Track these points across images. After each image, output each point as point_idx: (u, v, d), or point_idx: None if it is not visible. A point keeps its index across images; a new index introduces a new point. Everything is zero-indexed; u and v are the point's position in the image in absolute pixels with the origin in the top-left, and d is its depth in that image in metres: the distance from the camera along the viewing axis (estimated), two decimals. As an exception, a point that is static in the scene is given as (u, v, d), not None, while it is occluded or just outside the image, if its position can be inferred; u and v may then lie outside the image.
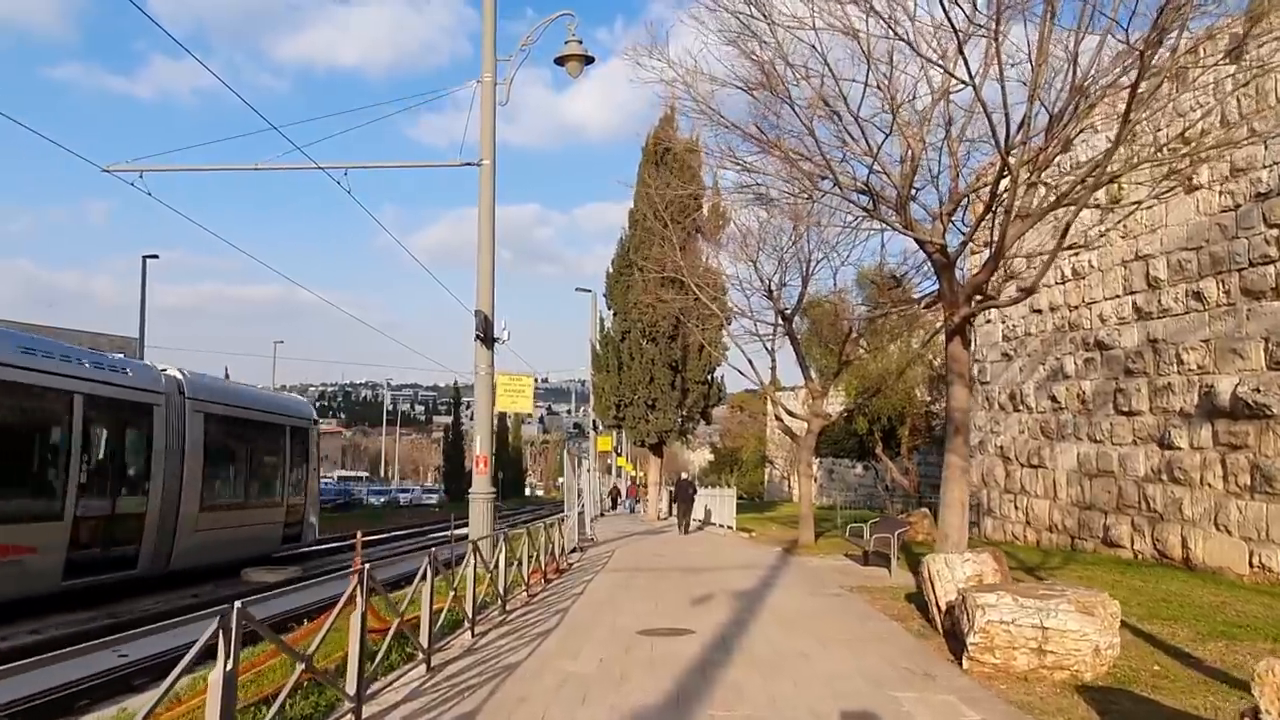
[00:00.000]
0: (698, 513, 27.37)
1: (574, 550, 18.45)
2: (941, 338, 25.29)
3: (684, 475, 32.91)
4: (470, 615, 8.24)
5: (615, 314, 34.32)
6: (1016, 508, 21.23)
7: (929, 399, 37.21)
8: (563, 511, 24.65)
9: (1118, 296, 17.82)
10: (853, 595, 11.07)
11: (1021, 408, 21.18)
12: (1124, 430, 17.33)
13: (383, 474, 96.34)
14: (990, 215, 8.88)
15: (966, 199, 9.78)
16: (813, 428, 18.27)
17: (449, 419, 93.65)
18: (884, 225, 10.34)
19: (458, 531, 15.81)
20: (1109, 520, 17.61)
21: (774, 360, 19.07)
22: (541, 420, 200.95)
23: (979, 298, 9.50)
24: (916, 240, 9.66)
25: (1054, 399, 19.72)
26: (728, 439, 79.22)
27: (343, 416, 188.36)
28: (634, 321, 32.80)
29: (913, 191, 9.54)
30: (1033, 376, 20.79)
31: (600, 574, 14.22)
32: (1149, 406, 16.64)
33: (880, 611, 9.67)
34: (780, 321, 17.89)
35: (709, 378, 33.91)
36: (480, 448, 14.56)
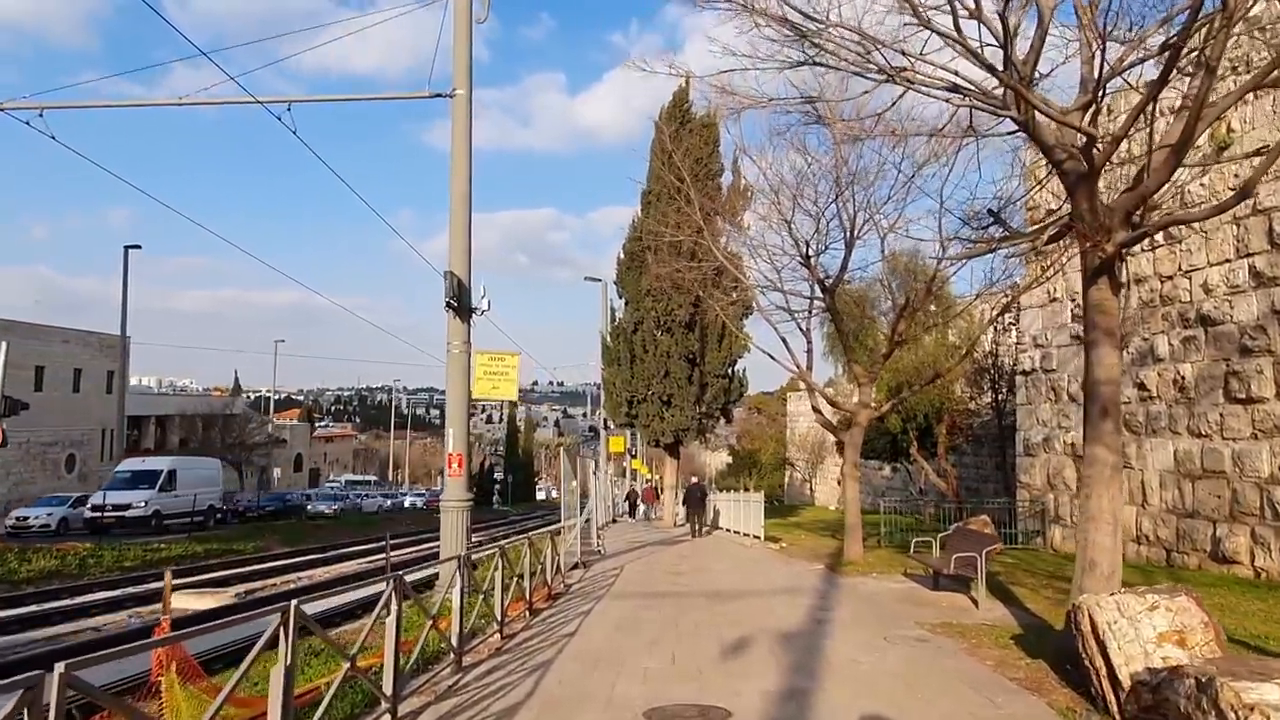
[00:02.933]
0: (706, 515, 26.63)
1: (575, 566, 15.59)
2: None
3: (695, 480, 30.15)
4: (389, 692, 5.37)
5: (627, 303, 31.53)
6: (1093, 515, 18.16)
7: (968, 394, 34.24)
8: (589, 513, 21.79)
9: (1228, 261, 14.79)
10: (942, 640, 8.12)
11: (1098, 398, 18.12)
12: (1239, 421, 14.30)
13: (390, 478, 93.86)
14: (1154, 95, 5.95)
15: (1103, 90, 6.85)
16: (859, 420, 15.30)
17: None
18: (992, 118, 7.43)
19: (437, 549, 12.94)
20: (1219, 530, 14.58)
21: (809, 342, 16.14)
22: (557, 424, 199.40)
23: (1131, 227, 6.54)
24: (1041, 143, 6.77)
25: (1142, 386, 16.68)
26: (745, 441, 76.39)
27: (358, 420, 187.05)
28: (647, 310, 30.02)
29: (1035, 75, 6.64)
30: (1113, 361, 17.73)
31: (603, 601, 11.32)
32: (1274, 392, 13.62)
33: (996, 671, 6.73)
34: (820, 293, 14.91)
35: (730, 371, 31.04)
36: (453, 444, 11.71)
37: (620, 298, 32.03)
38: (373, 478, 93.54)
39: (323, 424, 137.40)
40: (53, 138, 12.39)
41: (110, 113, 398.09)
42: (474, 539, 30.05)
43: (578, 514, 17.03)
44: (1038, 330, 20.76)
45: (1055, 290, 19.80)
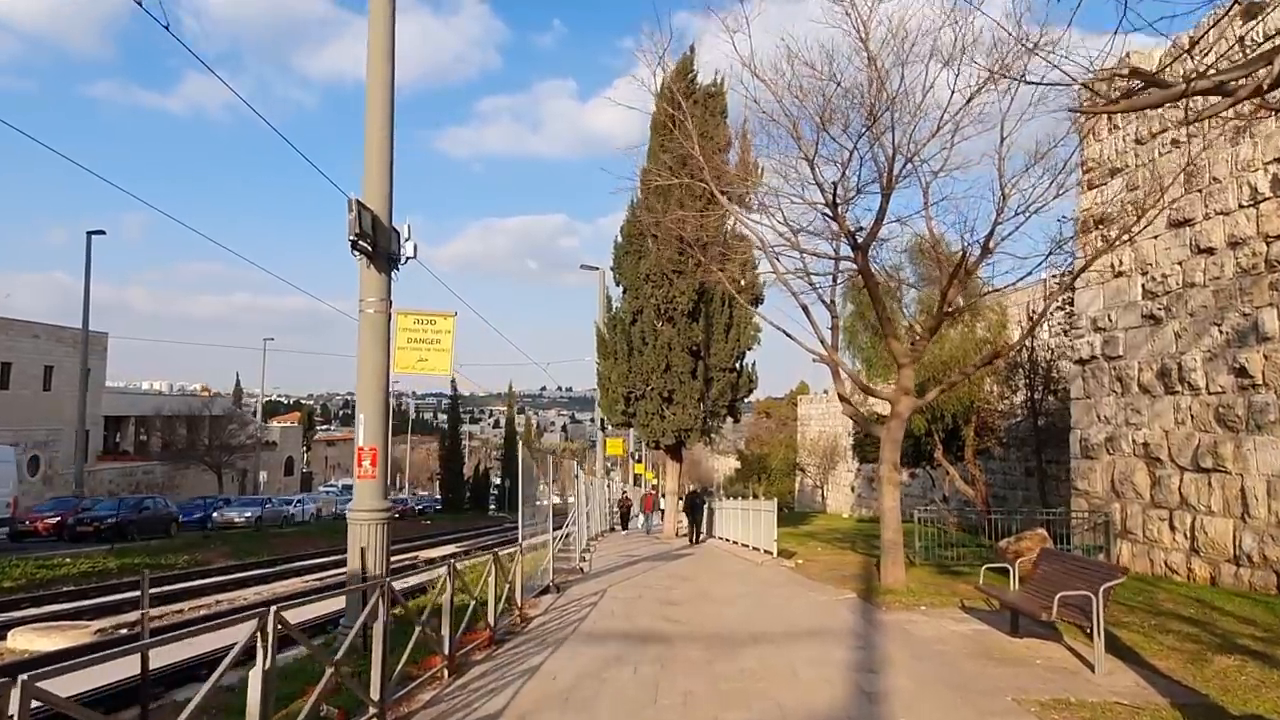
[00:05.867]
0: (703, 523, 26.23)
1: (545, 591, 12.61)
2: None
3: (694, 488, 27.31)
4: None
5: (625, 291, 28.61)
6: (1174, 528, 15.08)
7: (997, 393, 31.22)
8: (572, 523, 18.95)
9: (1364, 212, 11.75)
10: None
11: (1180, 388, 15.06)
12: (1383, 413, 11.26)
13: (393, 482, 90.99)
14: None
15: None
16: (899, 409, 12.25)
17: (470, 426, 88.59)
18: None
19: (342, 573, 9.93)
20: (1356, 551, 11.51)
21: (835, 316, 13.10)
22: (564, 429, 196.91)
23: None
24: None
25: (1241, 372, 13.61)
26: (754, 445, 73.65)
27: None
28: (647, 298, 27.08)
29: None
30: (1200, 343, 14.68)
31: (563, 648, 8.33)
32: None
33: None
34: (851, 249, 11.83)
35: (738, 365, 28.04)
36: (364, 435, 8.74)
37: (618, 285, 29.12)
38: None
39: (325, 428, 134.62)
40: None
41: (124, 123, 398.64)
42: (448, 549, 27.18)
43: (549, 526, 14.03)
44: (1098, 311, 17.70)
45: (1121, 262, 16.77)
